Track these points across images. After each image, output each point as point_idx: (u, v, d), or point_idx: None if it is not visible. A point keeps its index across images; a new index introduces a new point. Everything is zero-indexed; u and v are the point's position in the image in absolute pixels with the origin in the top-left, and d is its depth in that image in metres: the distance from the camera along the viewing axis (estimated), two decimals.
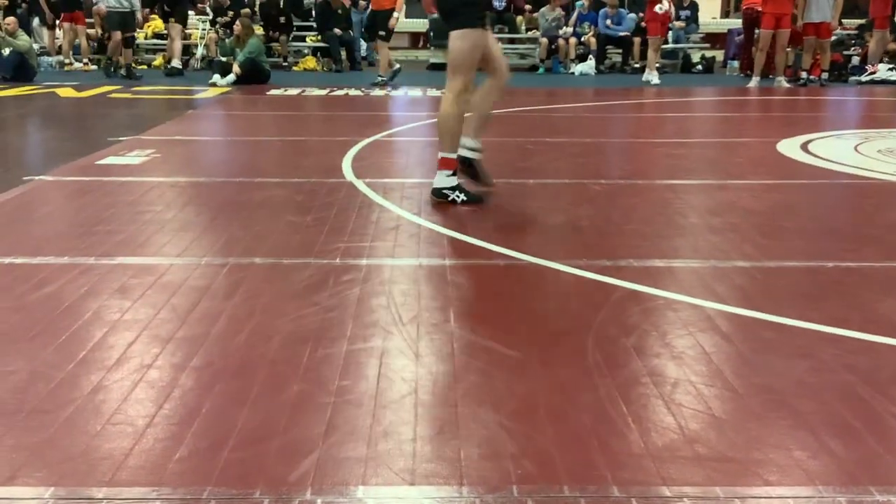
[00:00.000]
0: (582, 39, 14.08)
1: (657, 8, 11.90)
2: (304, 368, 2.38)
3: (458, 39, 4.34)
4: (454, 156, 4.44)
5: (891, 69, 12.36)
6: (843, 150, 6.03)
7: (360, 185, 4.87)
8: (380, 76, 11.49)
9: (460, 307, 2.88)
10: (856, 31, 14.30)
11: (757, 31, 11.69)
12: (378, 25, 11.69)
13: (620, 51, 14.50)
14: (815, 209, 4.64)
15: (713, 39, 15.65)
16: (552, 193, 4.84)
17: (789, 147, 6.21)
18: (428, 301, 2.94)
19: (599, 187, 4.93)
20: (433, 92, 10.54)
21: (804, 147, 6.21)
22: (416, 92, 10.68)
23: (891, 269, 3.39)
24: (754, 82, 11.43)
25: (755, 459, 1.90)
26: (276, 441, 1.96)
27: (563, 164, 5.84)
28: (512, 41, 15.30)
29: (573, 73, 13.65)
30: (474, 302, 2.94)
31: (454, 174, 4.43)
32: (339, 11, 14.16)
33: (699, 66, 14.47)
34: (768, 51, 11.37)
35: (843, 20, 13.06)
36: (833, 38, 12.14)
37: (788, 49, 12.01)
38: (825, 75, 12.04)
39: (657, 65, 12.38)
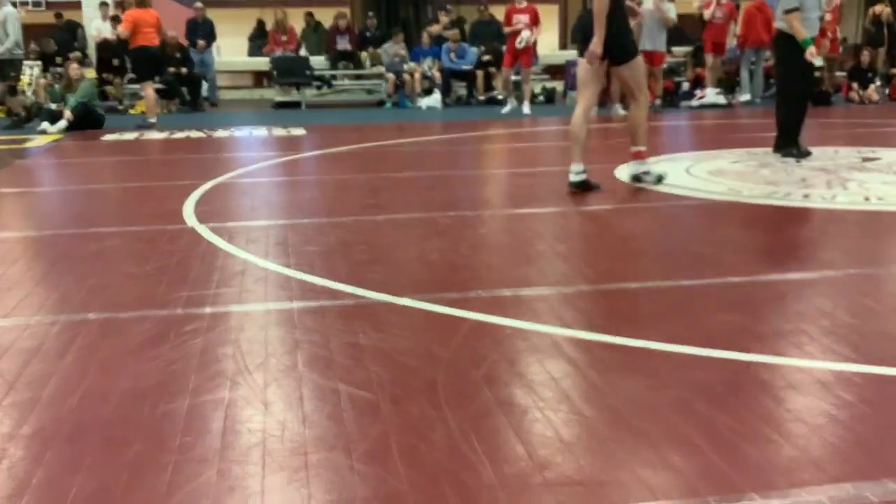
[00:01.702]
0: (427, 74, 14.31)
1: (518, 42, 12.25)
2: (144, 427, 2.26)
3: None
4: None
5: (718, 93, 13.17)
6: (676, 173, 6.35)
7: (204, 230, 4.72)
8: (149, 119, 11.13)
9: (309, 351, 2.82)
10: (684, 59, 15.18)
11: None
12: (142, 64, 11.36)
13: (465, 84, 14.85)
14: (653, 231, 4.85)
15: (553, 71, 16.25)
16: (401, 228, 4.85)
17: (627, 172, 6.48)
18: (275, 347, 2.87)
19: (448, 220, 4.98)
20: (279, 131, 10.43)
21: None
22: (261, 132, 10.53)
23: (724, 285, 3.57)
24: (620, 109, 11.91)
25: (601, 481, 1.94)
26: None
27: (412, 198, 5.88)
28: (358, 77, 15.39)
29: (420, 108, 13.84)
30: (323, 344, 2.89)
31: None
32: (178, 54, 13.83)
33: (541, 97, 14.98)
34: (604, 80, 11.89)
35: (672, 48, 13.83)
36: (664, 65, 12.83)
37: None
38: (658, 101, 12.69)
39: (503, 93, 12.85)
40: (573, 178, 5.71)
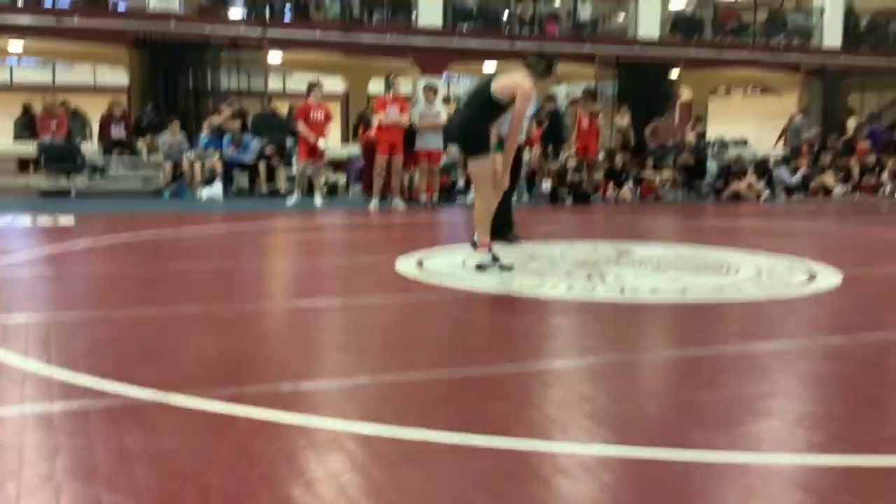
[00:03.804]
0: (207, 164, 14.06)
1: (320, 145, 12.44)
2: None
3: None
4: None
5: None
6: (451, 265, 6.60)
7: None
8: None
9: (69, 457, 2.63)
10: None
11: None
12: None
13: (248, 175, 14.71)
14: (430, 322, 4.99)
15: (336, 165, 16.52)
16: (176, 323, 4.68)
17: (406, 264, 6.66)
18: (32, 454, 2.65)
19: (228, 314, 4.87)
20: (46, 220, 9.80)
21: (419, 263, 6.71)
22: (25, 221, 9.84)
23: (497, 374, 3.72)
24: (374, 204, 12.20)
25: None
26: None
27: (189, 291, 5.69)
28: (134, 166, 14.85)
29: (200, 198, 13.54)
30: (86, 449, 2.70)
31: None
32: None
33: (324, 189, 15.11)
34: (385, 175, 12.28)
35: (448, 147, 14.51)
36: (441, 164, 13.42)
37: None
38: (435, 197, 13.21)
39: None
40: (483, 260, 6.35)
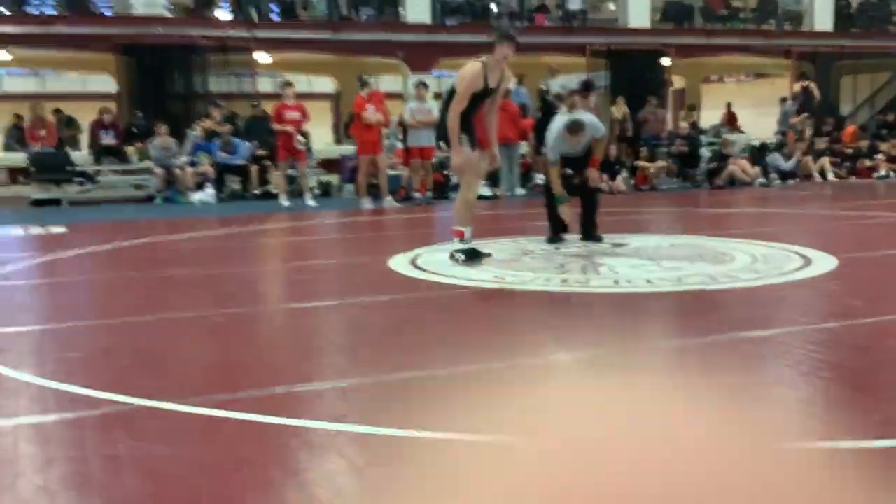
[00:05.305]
0: (199, 168, 14.05)
1: (297, 145, 12.41)
2: None
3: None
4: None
5: (485, 186, 13.88)
6: (445, 262, 6.58)
7: None
8: None
9: (63, 467, 2.62)
10: None
11: None
12: None
13: (240, 178, 14.69)
14: (427, 320, 4.97)
15: (328, 165, 16.49)
16: (171, 329, 4.66)
17: (400, 263, 6.65)
18: (26, 465, 2.64)
19: (222, 318, 4.86)
20: (37, 230, 9.78)
21: (413, 262, 6.69)
22: (16, 231, 9.82)
23: (489, 370, 3.70)
24: (366, 203, 12.20)
25: None
26: None
27: (184, 297, 5.69)
28: (125, 172, 14.83)
29: (193, 202, 13.51)
30: (79, 459, 2.69)
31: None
32: None
33: (317, 191, 15.10)
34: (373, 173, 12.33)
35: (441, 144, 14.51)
36: (434, 159, 13.40)
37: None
38: (430, 193, 13.19)
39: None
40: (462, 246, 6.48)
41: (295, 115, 12.39)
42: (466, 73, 6.32)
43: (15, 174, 15.79)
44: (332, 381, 3.58)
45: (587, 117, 7.41)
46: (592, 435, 0.33)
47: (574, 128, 7.08)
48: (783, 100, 18.23)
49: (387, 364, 3.85)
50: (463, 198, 6.63)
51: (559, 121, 7.37)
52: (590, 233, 7.54)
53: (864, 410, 3.10)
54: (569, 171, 7.42)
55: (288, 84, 12.95)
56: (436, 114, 12.45)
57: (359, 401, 3.31)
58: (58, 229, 9.82)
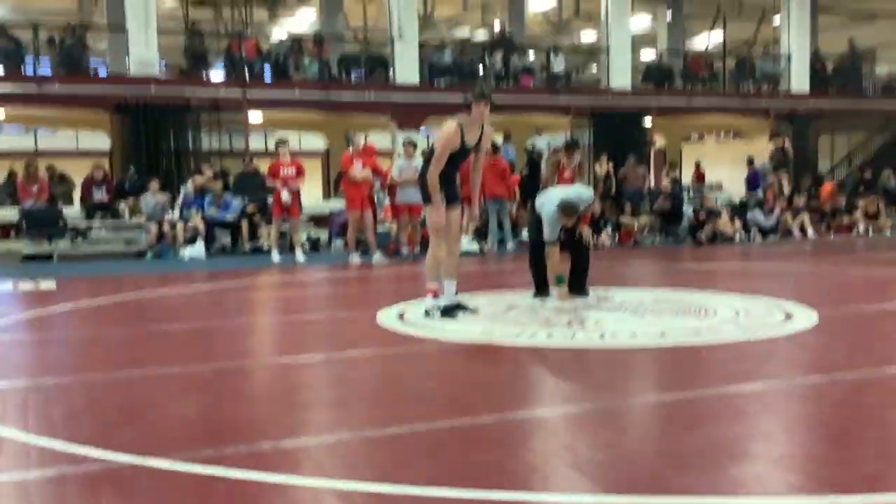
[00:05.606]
0: (189, 223, 14.11)
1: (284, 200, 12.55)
2: None
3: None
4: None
5: (471, 241, 13.96)
6: (437, 316, 6.60)
7: None
8: None
9: None
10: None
11: None
12: None
13: (229, 234, 14.76)
14: (413, 375, 4.98)
15: (318, 220, 16.60)
16: (158, 384, 4.66)
17: (387, 317, 6.69)
18: None
19: (208, 373, 4.87)
20: (27, 285, 9.77)
21: (400, 316, 6.73)
22: (7, 285, 9.81)
23: (479, 425, 3.72)
24: (354, 258, 12.26)
25: None
26: None
27: (172, 352, 5.68)
28: (117, 228, 14.88)
29: (183, 258, 13.55)
30: None
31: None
32: None
33: (306, 245, 15.16)
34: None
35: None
36: (422, 216, 13.52)
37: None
38: (418, 249, 13.27)
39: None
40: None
41: (290, 171, 12.53)
42: (444, 132, 6.51)
43: (7, 230, 15.83)
44: (319, 436, 3.59)
45: (575, 194, 7.50)
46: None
47: (569, 211, 7.22)
48: (750, 162, 18.44)
49: (374, 419, 3.86)
50: (432, 255, 6.72)
51: (551, 200, 7.40)
52: (580, 287, 7.60)
53: (850, 465, 3.14)
54: (561, 235, 7.49)
55: (283, 142, 13.06)
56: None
57: (346, 456, 3.32)
58: (48, 284, 9.82)
